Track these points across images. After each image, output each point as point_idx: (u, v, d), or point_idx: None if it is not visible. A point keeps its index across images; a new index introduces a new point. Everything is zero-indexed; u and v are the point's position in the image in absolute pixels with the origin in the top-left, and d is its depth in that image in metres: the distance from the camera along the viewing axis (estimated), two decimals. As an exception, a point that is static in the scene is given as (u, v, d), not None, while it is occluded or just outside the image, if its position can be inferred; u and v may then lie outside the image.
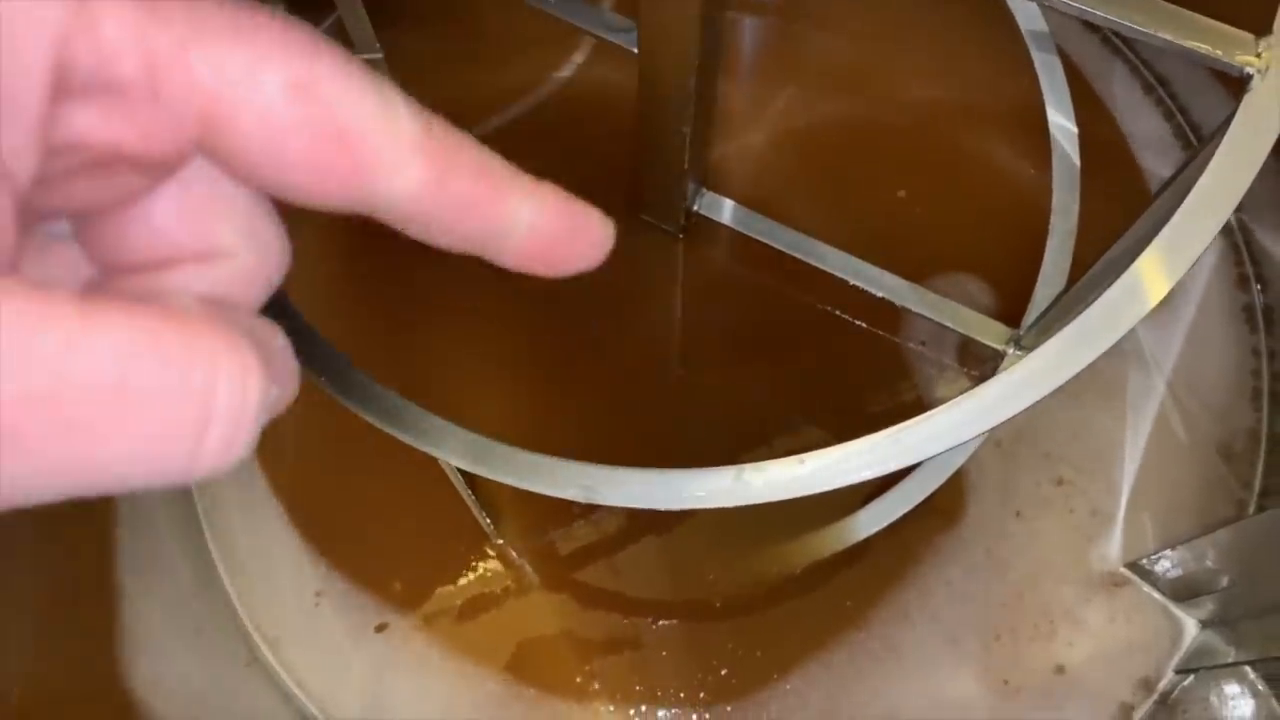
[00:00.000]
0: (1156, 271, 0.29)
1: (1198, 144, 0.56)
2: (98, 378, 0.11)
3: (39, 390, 0.10)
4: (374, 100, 0.13)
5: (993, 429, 0.30)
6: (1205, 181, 0.29)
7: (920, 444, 0.29)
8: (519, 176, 0.15)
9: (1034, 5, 0.49)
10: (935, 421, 0.29)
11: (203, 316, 0.12)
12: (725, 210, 0.51)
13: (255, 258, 0.15)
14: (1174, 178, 0.33)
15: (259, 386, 0.12)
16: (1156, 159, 0.56)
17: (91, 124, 0.12)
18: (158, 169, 0.13)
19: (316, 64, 0.13)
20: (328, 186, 0.13)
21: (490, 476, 0.32)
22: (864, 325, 0.51)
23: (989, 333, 0.48)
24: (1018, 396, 0.29)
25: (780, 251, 0.50)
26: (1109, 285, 0.36)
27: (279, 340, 0.14)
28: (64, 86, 0.12)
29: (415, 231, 0.15)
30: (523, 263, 0.16)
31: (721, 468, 0.30)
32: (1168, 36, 0.29)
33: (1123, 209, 0.55)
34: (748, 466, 0.30)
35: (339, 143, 0.13)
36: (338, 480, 0.49)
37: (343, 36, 0.59)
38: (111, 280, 0.14)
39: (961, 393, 0.50)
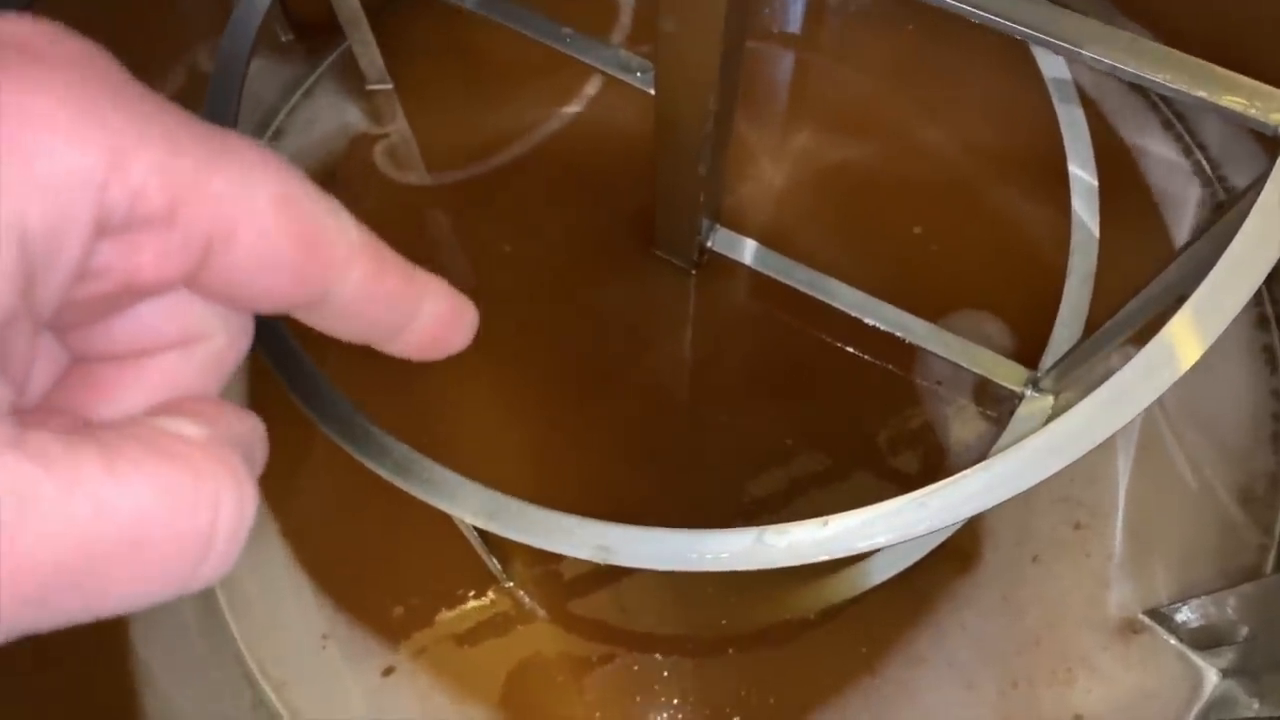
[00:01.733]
0: (1189, 335, 0.28)
1: (1216, 182, 0.56)
2: (123, 536, 0.11)
3: (72, 555, 0.11)
4: (328, 206, 0.15)
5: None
6: (1237, 246, 0.28)
7: (947, 509, 0.28)
8: (421, 270, 0.17)
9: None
10: (962, 486, 0.28)
11: (205, 451, 0.13)
12: (739, 247, 0.51)
13: (228, 339, 0.15)
14: (1203, 232, 0.33)
15: (252, 506, 0.13)
16: (1174, 193, 0.56)
17: (113, 258, 0.13)
18: (159, 292, 0.14)
19: (288, 176, 0.14)
20: (299, 289, 0.15)
21: (505, 535, 0.31)
22: (879, 364, 0.51)
23: (1006, 374, 0.48)
24: (1047, 461, 0.28)
25: (795, 289, 0.50)
26: (1134, 335, 0.36)
27: (258, 429, 0.15)
28: (99, 230, 0.12)
29: (336, 324, 0.16)
30: (417, 348, 0.17)
31: (743, 529, 0.29)
32: (1202, 95, 0.29)
33: (1141, 247, 0.54)
34: (770, 528, 0.29)
35: (312, 248, 0.14)
36: (345, 521, 0.49)
37: (352, 67, 0.58)
38: (86, 367, 0.15)
39: (978, 434, 0.50)
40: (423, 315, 0.16)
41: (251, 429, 0.15)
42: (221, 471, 0.13)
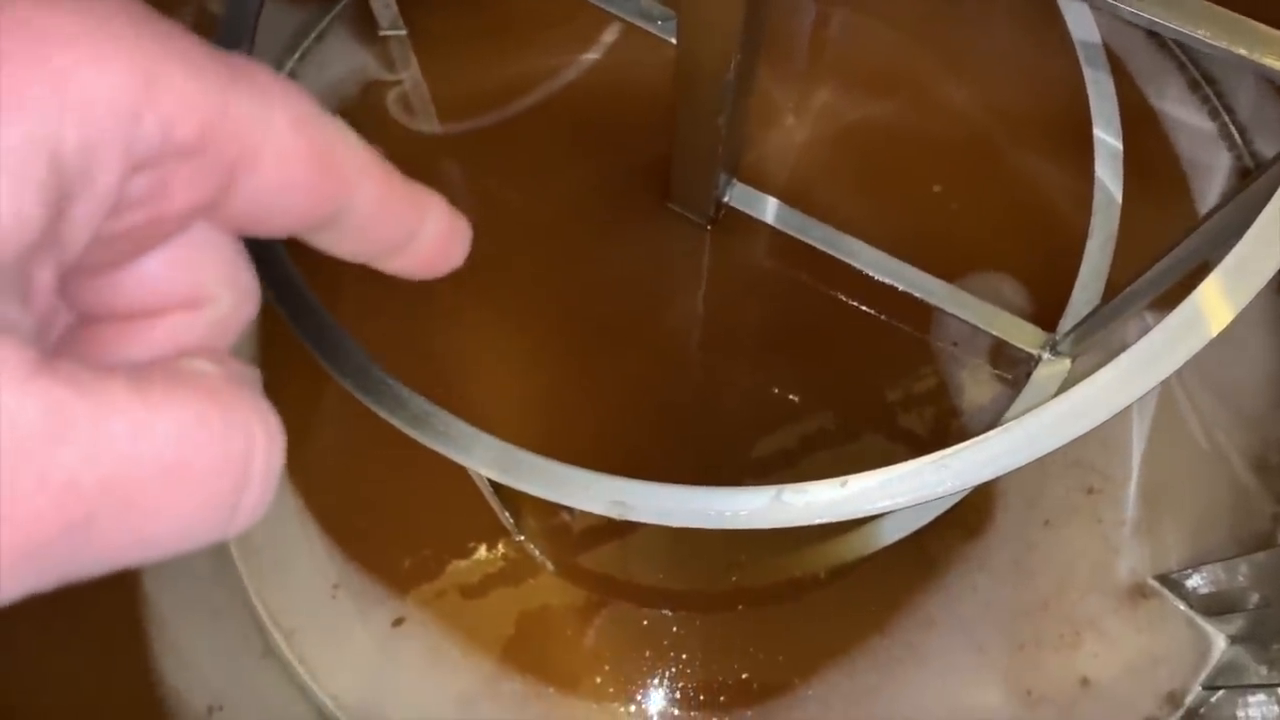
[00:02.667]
0: (1219, 299, 0.28)
1: (1242, 145, 0.55)
2: (161, 460, 0.11)
3: (112, 477, 0.11)
4: (338, 125, 0.15)
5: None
6: (1272, 210, 0.27)
7: (966, 470, 0.28)
8: (423, 186, 0.17)
9: (1085, 10, 0.47)
10: (984, 448, 0.28)
11: (230, 386, 0.13)
12: (756, 203, 0.50)
13: (234, 302, 0.15)
14: (1231, 197, 0.32)
15: (281, 439, 0.13)
16: (1200, 158, 0.55)
17: (144, 188, 0.12)
18: (182, 226, 0.14)
19: (300, 98, 0.14)
20: (317, 209, 0.15)
21: (519, 488, 0.31)
22: (894, 323, 0.50)
23: (1024, 337, 0.47)
24: (1073, 424, 0.28)
25: (811, 246, 0.49)
26: (1153, 301, 0.35)
27: (260, 381, 0.15)
28: (132, 162, 0.12)
29: (344, 242, 0.16)
30: (417, 265, 0.17)
31: (760, 487, 0.29)
32: (1241, 52, 0.28)
33: (1164, 212, 0.54)
34: (788, 487, 0.29)
35: (329, 167, 0.14)
36: (356, 472, 0.49)
37: (365, 12, 0.57)
38: (92, 328, 0.14)
39: (992, 396, 0.50)
40: (425, 231, 0.17)
41: (255, 375, 0.15)
42: (247, 403, 0.13)
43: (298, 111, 0.14)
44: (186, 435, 0.12)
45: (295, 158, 0.14)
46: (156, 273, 0.14)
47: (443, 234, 0.17)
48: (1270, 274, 0.28)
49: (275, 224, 0.15)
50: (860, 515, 0.28)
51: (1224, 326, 0.28)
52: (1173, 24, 0.29)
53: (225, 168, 0.13)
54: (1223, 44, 0.28)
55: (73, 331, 0.14)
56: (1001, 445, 0.28)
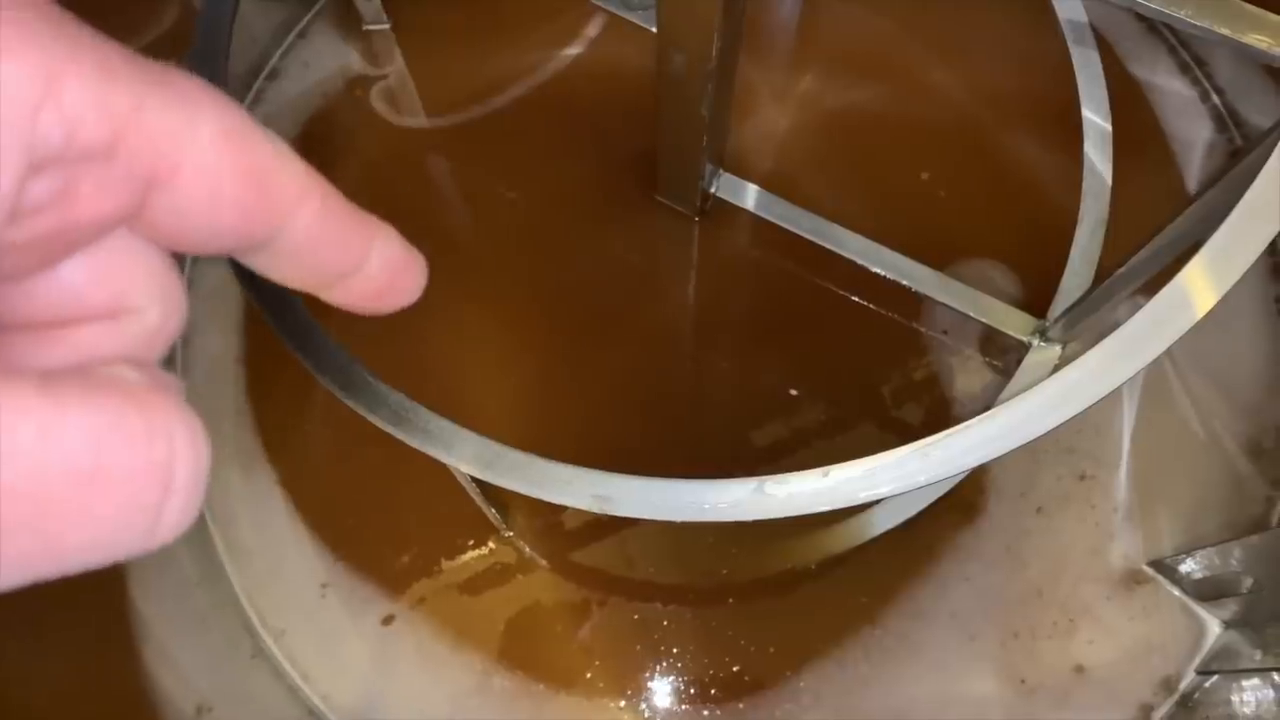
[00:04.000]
0: (1203, 281, 0.27)
1: (1233, 127, 0.54)
2: (74, 464, 0.11)
3: (19, 482, 0.10)
4: (274, 143, 0.14)
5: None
6: (1255, 191, 0.27)
7: (950, 459, 0.28)
8: (371, 215, 0.16)
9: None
10: (966, 436, 0.28)
11: (150, 389, 0.12)
12: (743, 193, 0.50)
13: (160, 314, 0.15)
14: (1219, 176, 0.32)
15: (206, 446, 0.12)
16: (1190, 140, 0.55)
17: (47, 193, 0.12)
18: (95, 235, 0.13)
19: (232, 111, 0.13)
20: (248, 228, 0.14)
21: (501, 484, 0.31)
22: (884, 312, 0.50)
23: (1014, 324, 0.47)
24: (1055, 411, 0.28)
25: (799, 236, 0.49)
26: (1145, 284, 0.35)
27: (183, 391, 0.14)
28: (32, 163, 0.11)
29: (282, 267, 0.15)
30: (364, 296, 0.16)
31: (742, 479, 0.29)
32: (1225, 32, 0.28)
33: (1154, 195, 0.53)
34: (770, 478, 0.29)
35: (261, 185, 0.14)
36: (344, 471, 0.48)
37: (348, 7, 0.57)
38: (5, 336, 0.14)
39: (984, 384, 0.50)
40: (371, 261, 0.16)
41: (182, 388, 0.14)
42: (169, 406, 0.12)
43: (227, 125, 0.13)
44: (102, 439, 0.11)
45: (222, 172, 0.13)
46: (74, 281, 0.13)
47: (391, 266, 0.16)
48: (1255, 255, 0.27)
49: (203, 241, 0.14)
50: (843, 505, 0.28)
51: (1209, 309, 0.27)
52: (1154, 4, 0.28)
53: (139, 176, 0.12)
54: (1205, 23, 0.28)
55: None
56: (984, 433, 0.28)
